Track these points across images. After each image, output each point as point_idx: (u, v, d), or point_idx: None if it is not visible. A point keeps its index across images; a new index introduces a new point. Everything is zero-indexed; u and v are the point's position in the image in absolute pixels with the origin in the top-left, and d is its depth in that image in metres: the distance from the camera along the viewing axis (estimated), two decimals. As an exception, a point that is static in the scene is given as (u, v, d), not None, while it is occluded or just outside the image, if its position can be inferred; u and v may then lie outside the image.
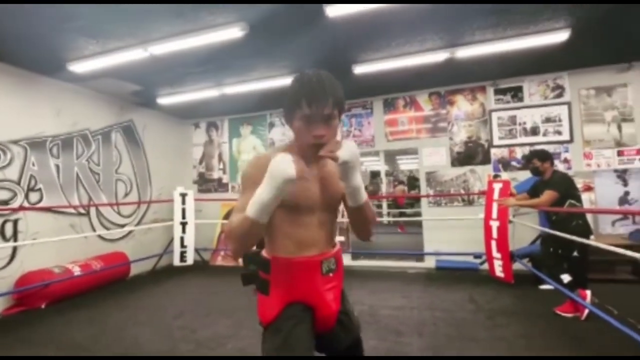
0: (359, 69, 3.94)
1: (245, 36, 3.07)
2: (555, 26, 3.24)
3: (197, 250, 5.16)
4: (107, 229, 4.63)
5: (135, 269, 4.73)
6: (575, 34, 3.28)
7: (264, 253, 1.04)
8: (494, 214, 3.74)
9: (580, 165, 4.29)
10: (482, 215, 3.98)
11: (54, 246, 3.82)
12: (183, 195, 4.99)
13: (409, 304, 3.29)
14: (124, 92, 4.63)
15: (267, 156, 0.93)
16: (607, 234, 4.13)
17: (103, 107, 4.72)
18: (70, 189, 4.21)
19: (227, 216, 5.66)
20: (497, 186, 3.75)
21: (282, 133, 5.64)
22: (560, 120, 4.43)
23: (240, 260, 1.03)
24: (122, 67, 3.67)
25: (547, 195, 2.83)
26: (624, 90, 4.23)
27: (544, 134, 4.48)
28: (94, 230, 4.45)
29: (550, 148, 4.38)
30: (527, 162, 3.14)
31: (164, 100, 4.87)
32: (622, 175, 4.20)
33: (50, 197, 3.96)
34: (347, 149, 0.85)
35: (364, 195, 0.94)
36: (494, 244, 3.75)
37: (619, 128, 4.24)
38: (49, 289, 3.46)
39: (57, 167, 4.07)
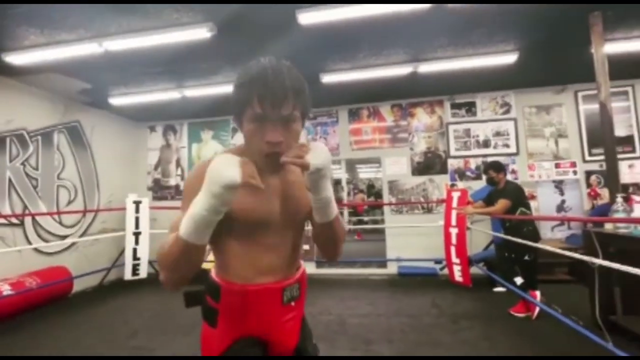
0: (327, 78, 3.99)
1: (213, 38, 2.96)
2: (506, 48, 3.54)
3: (151, 263, 4.79)
4: (46, 241, 4.13)
5: (78, 285, 4.26)
6: (522, 56, 3.62)
7: (213, 274, 0.85)
8: (453, 221, 3.95)
9: (525, 176, 4.70)
10: (441, 223, 4.19)
11: (-22, 262, 3.32)
12: (137, 203, 4.62)
13: (375, 311, 3.33)
14: (71, 90, 4.22)
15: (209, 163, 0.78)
16: (547, 239, 4.55)
17: (44, 105, 4.25)
18: (1, 196, 3.70)
19: (185, 225, 5.35)
20: (455, 195, 3.98)
21: (245, 139, 5.49)
22: (508, 135, 4.84)
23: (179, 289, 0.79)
24: (71, 62, 3.34)
25: (502, 203, 3.06)
26: (560, 110, 4.74)
27: (494, 147, 4.86)
28: (29, 242, 3.94)
29: (499, 160, 4.77)
30: (484, 172, 3.37)
31: (116, 101, 4.51)
32: (559, 186, 4.68)
33: (-25, 205, 3.44)
34: (318, 154, 0.69)
35: (334, 209, 0.78)
36: (453, 249, 3.95)
37: (556, 143, 4.73)
38: (-29, 312, 2.98)
39: (-15, 171, 3.57)
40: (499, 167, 3.23)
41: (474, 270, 4.10)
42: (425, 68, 3.83)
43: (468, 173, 4.91)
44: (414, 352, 2.39)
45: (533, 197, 4.63)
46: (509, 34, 3.26)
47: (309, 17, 2.71)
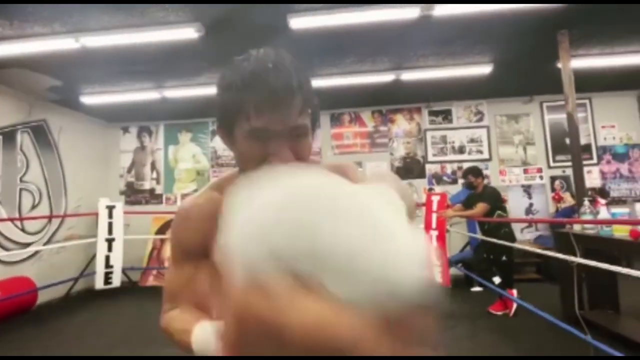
0: (315, 83, 4.00)
1: (200, 38, 2.90)
2: (482, 60, 3.76)
3: (124, 272, 4.54)
4: (6, 249, 3.81)
5: (43, 297, 3.95)
6: (496, 68, 3.85)
7: None
8: (434, 224, 4.09)
9: (497, 181, 4.97)
10: (421, 226, 4.32)
11: None
12: (110, 208, 4.38)
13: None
14: (38, 87, 3.94)
15: (199, 205, 0.60)
16: (518, 240, 4.82)
17: (7, 102, 3.94)
18: (-44, 201, 3.38)
19: (160, 230, 5.14)
20: (435, 198, 4.12)
21: (225, 142, 5.38)
22: (481, 141, 5.10)
23: None
24: (42, 57, 3.13)
25: (481, 207, 3.22)
26: (528, 119, 5.07)
27: (469, 153, 5.10)
28: (-13, 251, 3.62)
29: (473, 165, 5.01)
30: (463, 177, 3.53)
31: (89, 100, 4.27)
32: (527, 190, 4.99)
33: None
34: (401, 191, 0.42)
35: None
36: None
37: (525, 150, 5.05)
38: None
39: (-62, 173, 3.24)
40: (478, 172, 3.40)
41: (452, 271, 4.26)
42: (407, 76, 3.97)
43: (445, 178, 5.11)
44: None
45: (505, 201, 4.90)
46: (485, 47, 3.46)
47: (301, 22, 2.73)
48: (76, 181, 4.79)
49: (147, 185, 5.44)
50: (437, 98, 5.01)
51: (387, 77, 3.99)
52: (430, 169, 5.14)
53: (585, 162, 4.91)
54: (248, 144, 0.52)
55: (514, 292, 3.11)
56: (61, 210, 4.55)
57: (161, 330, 0.60)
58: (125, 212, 4.65)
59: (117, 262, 4.37)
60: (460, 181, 5.03)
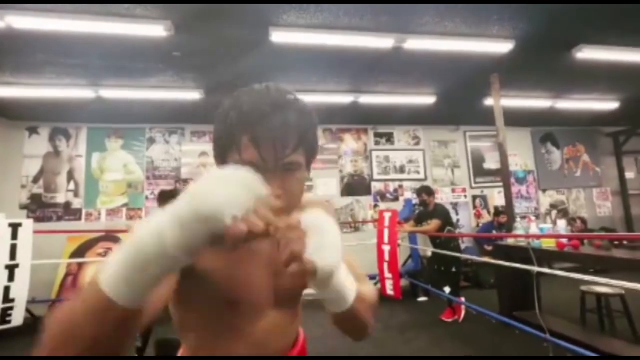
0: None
1: (167, 38, 2.64)
2: (429, 92, 4.24)
3: (28, 310, 3.64)
4: None
5: None
6: (438, 100, 4.38)
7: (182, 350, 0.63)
8: (386, 239, 4.33)
9: (432, 199, 5.54)
10: (374, 241, 4.54)
11: None
12: (15, 226, 3.51)
13: (327, 332, 3.32)
14: None
15: None
16: (448, 252, 5.42)
17: None
18: None
19: (78, 252, 4.32)
20: (387, 215, 4.39)
21: (165, 152, 4.88)
22: (418, 163, 5.66)
23: None
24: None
25: (435, 223, 3.56)
26: (455, 145, 5.84)
27: (408, 173, 5.60)
28: None
29: (412, 184, 5.53)
30: (417, 195, 3.86)
31: (-9, 91, 3.44)
32: (455, 207, 5.67)
33: None
34: (326, 245, 0.43)
35: (350, 294, 0.54)
36: (386, 265, 4.31)
37: (452, 172, 5.77)
38: None
39: None
40: (430, 192, 3.77)
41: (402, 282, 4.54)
42: (364, 99, 4.22)
43: (388, 195, 5.49)
44: (385, 365, 2.50)
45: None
46: (433, 81, 3.92)
47: (281, 36, 2.71)
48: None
49: (61, 198, 4.55)
50: (382, 121, 5.42)
51: (346, 99, 4.18)
52: (375, 186, 5.47)
53: (496, 184, 5.87)
54: None
55: (462, 299, 3.47)
56: None
57: (49, 325, 0.38)
58: (36, 232, 3.78)
59: (20, 294, 3.48)
60: (402, 198, 5.48)
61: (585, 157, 6.23)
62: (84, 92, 3.59)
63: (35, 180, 4.51)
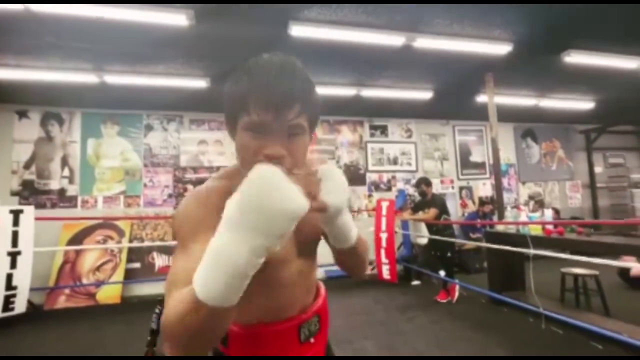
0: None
1: (188, 26, 2.66)
2: (426, 87, 4.44)
3: (29, 301, 3.59)
4: None
5: None
6: (434, 95, 4.60)
7: None
8: (383, 227, 4.56)
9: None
10: (372, 229, 4.76)
11: None
12: (16, 213, 3.42)
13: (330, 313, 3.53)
14: None
15: (216, 189, 0.63)
16: (436, 239, 5.75)
17: None
18: None
19: (75, 240, 4.26)
20: (384, 204, 4.61)
21: (163, 139, 4.83)
22: (410, 155, 5.91)
23: None
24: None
25: (432, 212, 3.81)
26: (444, 138, 6.13)
27: (401, 164, 5.84)
28: None
29: (404, 175, 5.79)
30: (417, 185, 4.09)
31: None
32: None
33: None
34: (335, 187, 0.60)
35: (354, 230, 0.69)
36: (383, 252, 4.55)
37: (442, 164, 6.08)
38: None
39: None
40: (428, 182, 4.01)
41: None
42: (366, 92, 4.37)
43: (382, 185, 5.72)
44: (394, 341, 2.73)
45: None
46: (428, 77, 4.12)
47: (301, 30, 2.79)
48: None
49: (54, 184, 4.43)
50: (377, 114, 5.60)
51: (349, 92, 4.31)
52: (370, 177, 5.68)
53: (482, 177, 6.24)
54: (246, 136, 0.58)
55: (456, 281, 3.77)
56: None
57: (164, 327, 0.48)
58: (37, 219, 3.69)
59: (23, 282, 3.42)
60: (394, 188, 5.73)
61: (560, 152, 6.72)
62: (87, 77, 3.51)
63: (27, 166, 4.36)
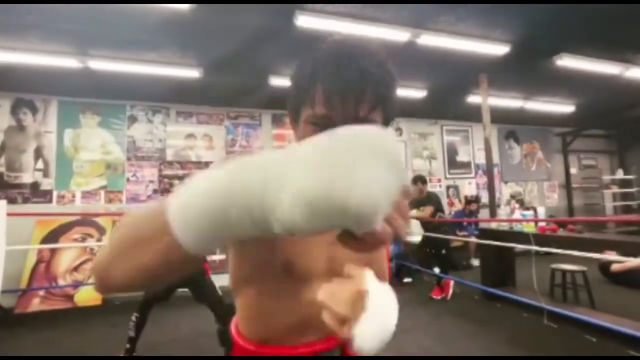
0: (275, 81, 3.91)
1: (190, 11, 2.50)
2: (420, 86, 4.47)
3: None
4: None
5: None
6: (427, 94, 4.64)
7: (233, 329, 0.62)
8: (377, 225, 4.56)
9: (411, 189, 5.90)
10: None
11: None
12: (-14, 208, 3.10)
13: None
14: None
15: None
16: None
17: None
18: None
19: (50, 237, 3.96)
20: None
21: (148, 132, 4.58)
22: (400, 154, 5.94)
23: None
24: None
25: (429, 209, 3.84)
26: (432, 138, 6.22)
27: (391, 163, 5.87)
28: None
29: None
30: (413, 183, 4.10)
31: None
32: (431, 196, 6.08)
33: None
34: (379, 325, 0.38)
35: None
36: (376, 249, 4.55)
37: (430, 163, 6.17)
38: None
39: None
40: (425, 180, 4.04)
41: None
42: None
43: (372, 183, 5.72)
44: (399, 339, 2.70)
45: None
46: (420, 77, 4.15)
47: (305, 20, 2.70)
48: None
49: (26, 178, 4.08)
50: (369, 112, 5.58)
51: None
52: (360, 174, 5.66)
53: (467, 176, 6.39)
54: (309, 130, 0.50)
55: (452, 278, 3.82)
56: None
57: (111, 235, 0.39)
58: (9, 214, 3.37)
59: (-7, 283, 3.13)
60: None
61: (540, 154, 7.01)
62: (68, 61, 3.24)
63: (-5, 158, 3.99)
